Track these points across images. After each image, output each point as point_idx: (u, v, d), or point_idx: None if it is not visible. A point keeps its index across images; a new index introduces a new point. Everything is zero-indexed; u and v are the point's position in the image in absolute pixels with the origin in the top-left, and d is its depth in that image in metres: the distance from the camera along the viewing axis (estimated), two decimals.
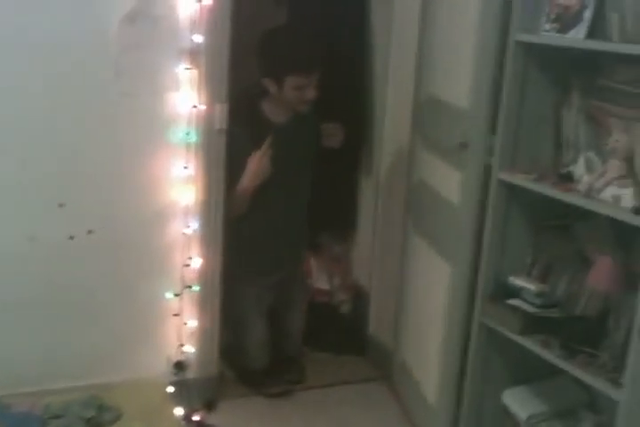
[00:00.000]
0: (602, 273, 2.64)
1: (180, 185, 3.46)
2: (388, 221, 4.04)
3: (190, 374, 3.67)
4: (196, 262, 3.55)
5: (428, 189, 3.51)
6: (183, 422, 3.49)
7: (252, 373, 3.97)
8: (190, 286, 3.57)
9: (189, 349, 3.64)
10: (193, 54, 3.31)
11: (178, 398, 3.57)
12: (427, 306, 3.57)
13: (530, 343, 2.86)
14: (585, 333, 2.74)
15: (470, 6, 3.03)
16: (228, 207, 3.61)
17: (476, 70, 3.00)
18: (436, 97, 3.42)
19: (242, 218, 3.69)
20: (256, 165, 3.57)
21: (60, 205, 3.34)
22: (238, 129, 3.53)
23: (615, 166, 2.53)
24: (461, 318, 3.19)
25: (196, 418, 3.54)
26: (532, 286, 2.95)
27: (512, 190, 2.96)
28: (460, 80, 3.15)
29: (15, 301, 3.37)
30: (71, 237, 3.38)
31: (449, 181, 3.26)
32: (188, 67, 3.33)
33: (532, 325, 2.89)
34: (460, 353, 3.23)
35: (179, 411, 3.49)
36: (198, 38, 3.29)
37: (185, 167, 3.43)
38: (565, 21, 2.68)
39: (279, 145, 3.59)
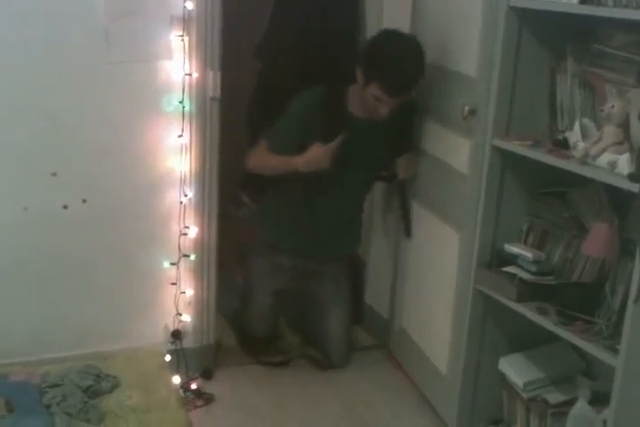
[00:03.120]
0: (597, 240, 2.63)
1: (175, 154, 3.45)
2: (384, 191, 4.02)
3: (187, 342, 3.68)
4: (193, 231, 3.54)
5: (429, 158, 3.48)
6: (181, 391, 3.50)
7: (252, 340, 3.95)
8: (187, 255, 3.56)
9: (186, 318, 3.64)
10: (185, 21, 3.28)
11: (175, 367, 3.60)
12: (429, 274, 3.57)
13: (526, 310, 2.86)
14: (581, 299, 2.74)
15: None
16: (259, 163, 3.57)
17: (484, 37, 2.95)
18: (435, 64, 3.38)
19: (279, 188, 3.64)
20: (316, 156, 3.41)
21: (53, 175, 3.32)
22: (316, 107, 3.46)
23: (610, 132, 2.50)
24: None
25: (193, 386, 3.57)
26: (528, 254, 2.94)
27: (507, 157, 2.94)
28: (465, 48, 3.12)
29: (11, 271, 3.37)
30: (65, 207, 3.37)
31: (454, 149, 3.24)
32: (180, 34, 3.30)
33: (528, 292, 2.90)
34: None
35: (176, 379, 3.51)
36: (190, 5, 3.26)
37: (179, 136, 3.41)
38: None
39: (351, 140, 3.41)
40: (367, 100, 3.40)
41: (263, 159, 3.57)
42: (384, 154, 3.59)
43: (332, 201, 3.63)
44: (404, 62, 3.31)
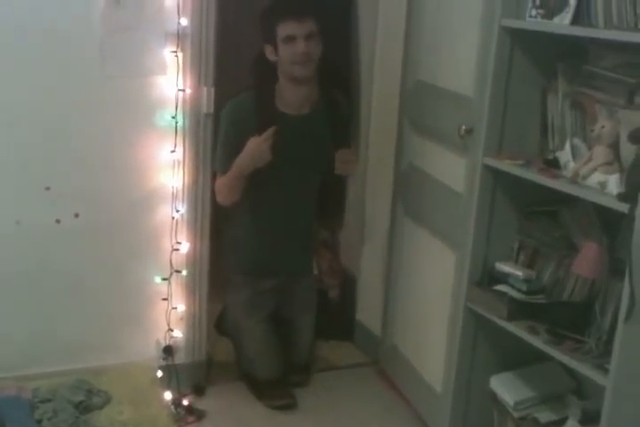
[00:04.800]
0: (587, 259, 2.63)
1: (168, 169, 3.45)
2: (375, 207, 4.02)
3: (179, 358, 3.67)
4: (185, 247, 3.54)
5: (423, 175, 3.48)
6: (172, 407, 3.48)
7: (256, 382, 3.79)
8: (179, 271, 3.56)
9: (178, 333, 3.63)
10: (179, 37, 3.29)
11: (167, 383, 3.59)
12: (423, 291, 3.56)
13: (517, 329, 2.85)
14: (571, 318, 2.74)
15: None
16: (223, 188, 3.52)
17: (480, 56, 2.95)
18: (429, 83, 3.39)
19: (234, 212, 3.61)
20: (254, 149, 3.41)
21: (47, 189, 3.33)
22: (246, 113, 3.48)
23: (601, 153, 2.51)
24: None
25: (184, 402, 3.54)
26: (518, 272, 2.94)
27: (498, 176, 2.95)
28: (461, 67, 3.13)
29: (2, 285, 3.36)
30: (58, 221, 3.37)
31: (449, 167, 3.24)
32: (174, 50, 3.31)
33: (518, 310, 2.89)
34: None
35: (168, 395, 3.50)
36: (184, 21, 3.27)
37: (172, 151, 3.42)
38: (551, 7, 2.66)
39: (286, 136, 3.44)
40: (284, 57, 3.44)
41: (222, 184, 3.53)
42: (325, 147, 3.62)
43: (290, 206, 3.65)
44: None
